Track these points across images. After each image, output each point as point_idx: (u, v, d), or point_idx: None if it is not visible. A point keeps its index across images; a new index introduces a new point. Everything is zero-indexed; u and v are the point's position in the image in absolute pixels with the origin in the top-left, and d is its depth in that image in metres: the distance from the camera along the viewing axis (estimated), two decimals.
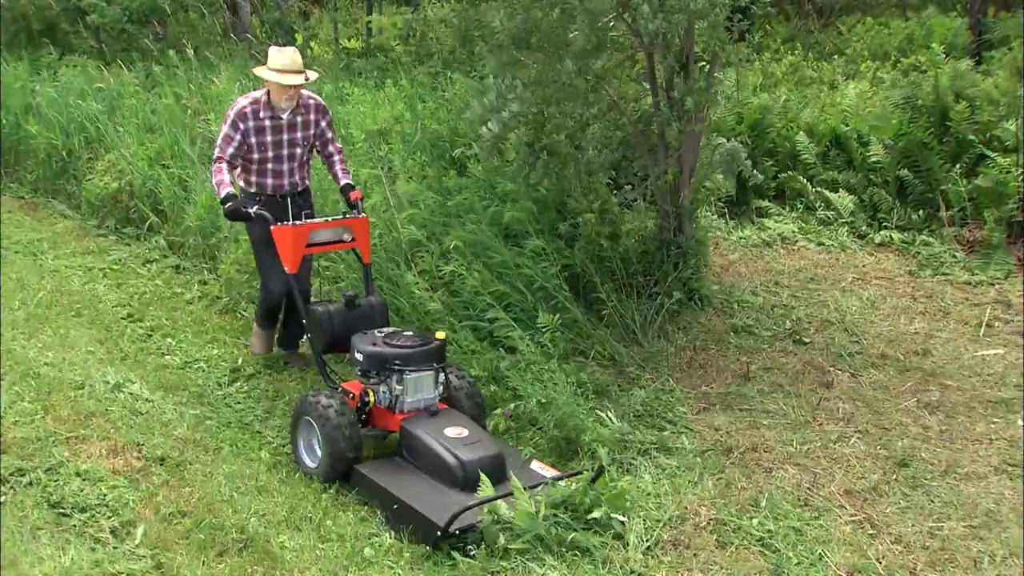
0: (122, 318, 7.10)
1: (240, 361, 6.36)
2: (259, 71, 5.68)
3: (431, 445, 4.53)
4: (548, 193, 6.84)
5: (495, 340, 5.94)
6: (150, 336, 6.82)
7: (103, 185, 9.39)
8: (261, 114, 5.63)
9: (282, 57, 5.56)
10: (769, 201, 8.90)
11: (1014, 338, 6.40)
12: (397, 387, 4.81)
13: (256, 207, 5.55)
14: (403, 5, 14.92)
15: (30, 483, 4.60)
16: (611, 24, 6.00)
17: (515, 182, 6.77)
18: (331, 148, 5.97)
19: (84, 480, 4.64)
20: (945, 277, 7.43)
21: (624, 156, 6.96)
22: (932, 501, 4.60)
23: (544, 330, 5.77)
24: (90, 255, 8.62)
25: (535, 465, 4.67)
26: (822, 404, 5.56)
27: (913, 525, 4.40)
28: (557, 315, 5.88)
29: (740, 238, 8.29)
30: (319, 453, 4.82)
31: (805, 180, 8.83)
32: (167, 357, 6.46)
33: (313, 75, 5.70)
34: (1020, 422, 5.33)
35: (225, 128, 5.61)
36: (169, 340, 6.72)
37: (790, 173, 8.94)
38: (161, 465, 4.94)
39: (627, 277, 6.62)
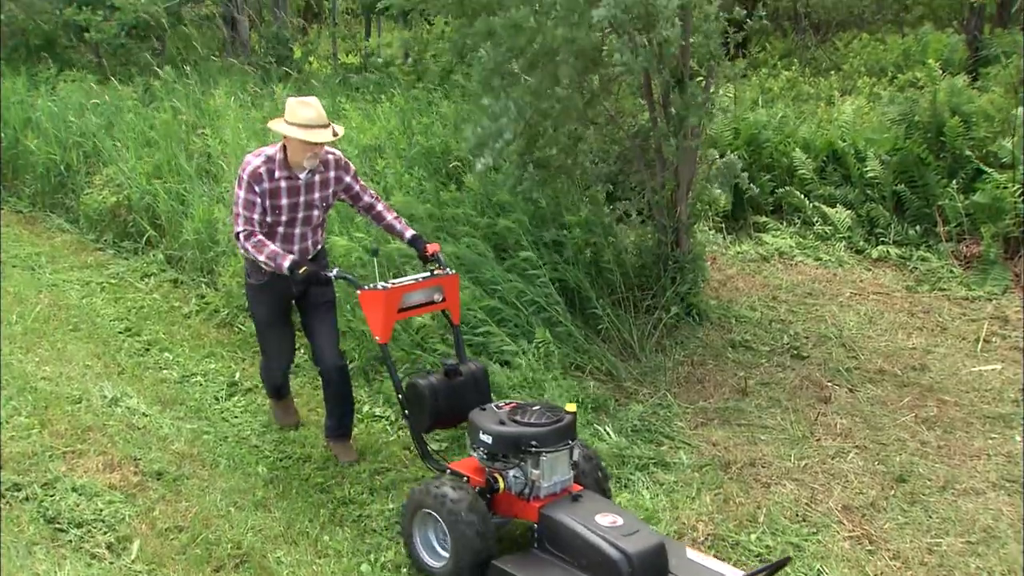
0: (120, 332, 7.10)
1: (238, 375, 6.35)
2: (278, 126, 4.83)
3: (587, 537, 3.88)
4: (545, 206, 6.86)
5: (491, 355, 5.93)
6: (148, 350, 6.81)
7: (101, 199, 9.40)
8: (276, 174, 4.83)
9: (307, 110, 4.74)
10: (767, 216, 8.93)
11: (1012, 353, 6.40)
12: (534, 471, 4.14)
13: (299, 269, 4.74)
14: (402, 22, 15.01)
15: (26, 498, 4.59)
16: (605, 42, 6.01)
17: (510, 193, 6.79)
18: (366, 198, 5.19)
19: (80, 495, 4.64)
20: (942, 292, 7.44)
21: (621, 170, 6.98)
22: (930, 517, 4.59)
23: (540, 345, 5.78)
24: (88, 269, 8.63)
25: (692, 554, 4.07)
26: (820, 419, 5.56)
27: (911, 541, 4.40)
28: (550, 329, 5.90)
29: (738, 253, 8.30)
30: (443, 552, 4.17)
31: (802, 195, 8.86)
32: (164, 371, 6.45)
33: (340, 129, 4.90)
34: (1018, 438, 5.33)
35: (242, 194, 4.80)
36: (167, 354, 6.71)
37: (787, 188, 8.97)
38: (158, 480, 4.93)
39: (624, 292, 6.62)
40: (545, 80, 5.98)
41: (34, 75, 13.07)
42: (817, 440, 5.33)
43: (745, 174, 7.02)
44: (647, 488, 4.83)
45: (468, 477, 4.31)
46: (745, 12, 6.36)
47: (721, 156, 7.32)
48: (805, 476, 4.96)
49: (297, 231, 5.02)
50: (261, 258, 4.79)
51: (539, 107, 6.04)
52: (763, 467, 5.04)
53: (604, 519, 3.92)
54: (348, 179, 5.11)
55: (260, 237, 4.81)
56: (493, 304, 6.10)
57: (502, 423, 4.22)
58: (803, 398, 5.83)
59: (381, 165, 8.03)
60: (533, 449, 4.09)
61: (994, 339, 6.64)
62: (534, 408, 4.29)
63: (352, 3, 22.56)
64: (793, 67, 12.88)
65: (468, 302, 6.06)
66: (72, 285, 8.16)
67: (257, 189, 4.80)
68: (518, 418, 4.21)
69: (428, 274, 4.85)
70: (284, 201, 4.90)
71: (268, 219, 4.91)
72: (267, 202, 4.86)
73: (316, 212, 5.05)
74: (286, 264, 4.70)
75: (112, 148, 9.85)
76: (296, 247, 5.04)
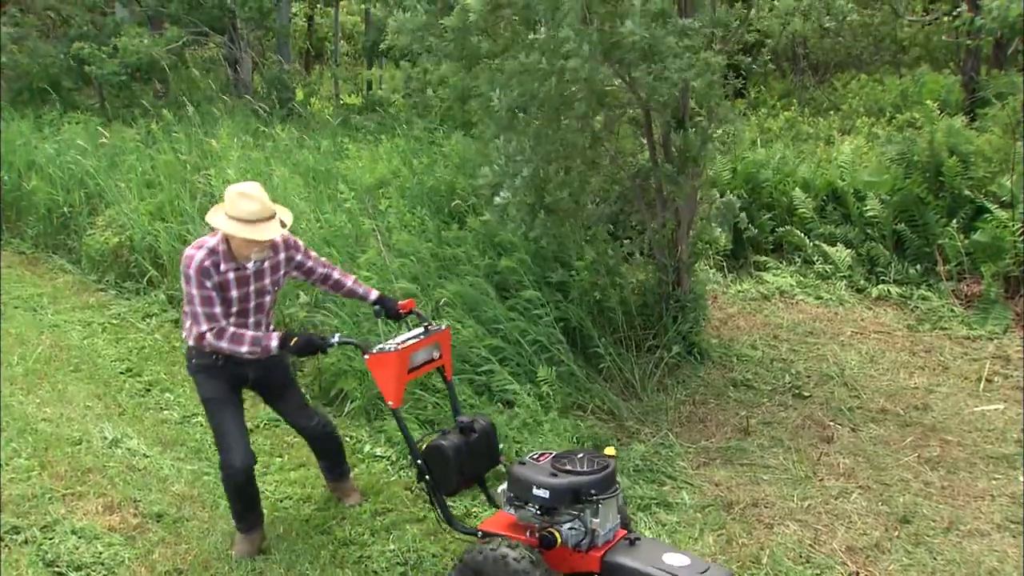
0: (121, 373, 7.10)
1: None
2: (216, 221, 4.39)
3: None
4: (547, 246, 6.88)
5: (493, 394, 5.93)
6: (148, 391, 6.81)
7: (103, 240, 9.44)
8: (223, 266, 4.44)
9: (249, 204, 4.33)
10: (767, 255, 8.94)
11: (1014, 393, 6.39)
12: (594, 520, 3.97)
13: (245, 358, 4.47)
14: (404, 61, 15.15)
15: (25, 541, 4.57)
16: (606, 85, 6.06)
17: (514, 234, 6.81)
18: (320, 270, 4.87)
19: (80, 538, 4.62)
20: (944, 331, 7.44)
21: (622, 209, 7.01)
22: (935, 559, 4.56)
23: (542, 384, 5.78)
24: (90, 310, 8.64)
25: None
26: (822, 459, 5.53)
27: None
28: (553, 368, 5.89)
29: (739, 292, 8.31)
30: None
31: (803, 234, 8.88)
32: (165, 412, 6.44)
33: (288, 217, 4.56)
34: (1021, 478, 5.31)
35: (195, 292, 4.40)
36: (167, 395, 6.71)
37: (788, 227, 9.00)
38: (158, 522, 4.91)
39: (626, 331, 6.63)
40: (550, 122, 6.01)
41: (39, 117, 13.18)
42: (820, 480, 5.31)
43: (743, 214, 7.05)
44: (649, 529, 4.80)
45: (506, 535, 4.07)
46: (749, 59, 6.42)
47: (721, 196, 7.35)
48: (808, 517, 4.93)
49: (250, 320, 4.63)
50: (244, 349, 4.40)
51: (545, 151, 6.08)
52: (766, 507, 5.02)
53: (672, 559, 3.79)
54: (299, 257, 4.77)
55: (232, 329, 4.44)
56: (495, 343, 6.10)
57: (555, 475, 4.00)
58: (805, 438, 5.82)
59: (385, 205, 8.08)
60: (593, 497, 3.94)
61: (996, 379, 6.63)
62: (577, 456, 4.10)
63: (354, 46, 22.81)
64: (792, 107, 12.97)
65: (471, 340, 6.06)
66: (73, 326, 8.17)
67: (208, 284, 4.41)
68: (568, 468, 4.03)
69: (423, 331, 4.56)
70: (234, 293, 4.51)
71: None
72: (218, 296, 4.49)
73: (268, 299, 4.69)
74: (274, 344, 4.39)
75: (114, 189, 9.91)
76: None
